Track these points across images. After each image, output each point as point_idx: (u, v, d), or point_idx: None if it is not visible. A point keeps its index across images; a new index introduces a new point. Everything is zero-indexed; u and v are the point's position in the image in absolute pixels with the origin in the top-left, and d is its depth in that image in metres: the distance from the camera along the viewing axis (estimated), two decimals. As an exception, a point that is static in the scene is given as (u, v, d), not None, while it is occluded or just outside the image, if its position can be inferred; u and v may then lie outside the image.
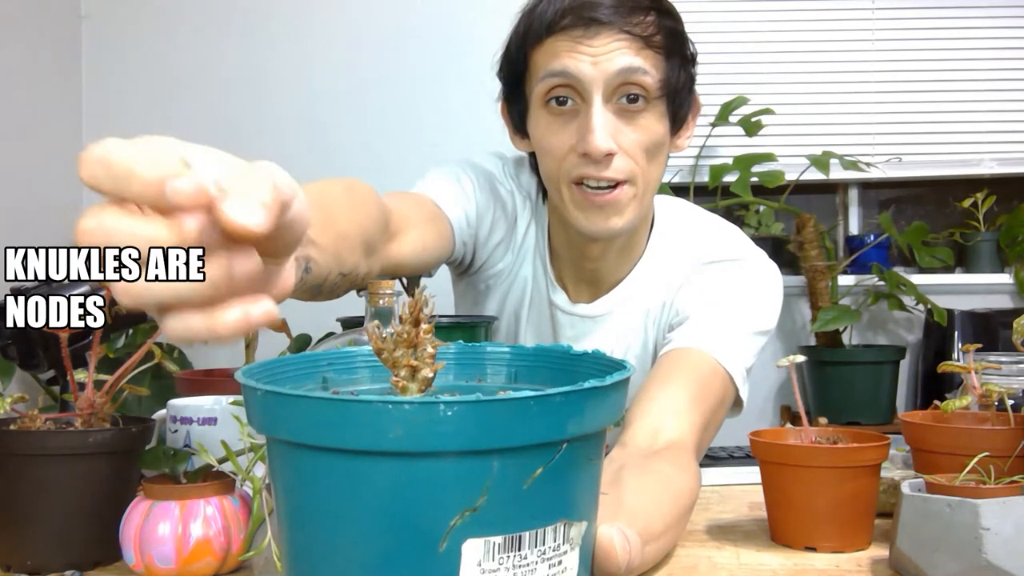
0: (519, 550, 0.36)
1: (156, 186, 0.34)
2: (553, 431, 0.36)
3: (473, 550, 0.35)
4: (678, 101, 1.01)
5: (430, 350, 0.39)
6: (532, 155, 1.08)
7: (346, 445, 0.35)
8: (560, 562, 0.38)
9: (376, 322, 0.39)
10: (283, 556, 0.39)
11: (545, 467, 0.36)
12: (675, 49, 1.00)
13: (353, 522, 0.36)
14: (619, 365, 0.43)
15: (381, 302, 0.71)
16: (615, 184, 0.98)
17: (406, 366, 0.39)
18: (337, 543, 0.36)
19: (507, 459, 0.35)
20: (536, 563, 0.37)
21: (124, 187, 0.34)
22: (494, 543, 0.36)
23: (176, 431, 0.85)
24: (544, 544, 0.37)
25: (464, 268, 1.18)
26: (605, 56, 0.95)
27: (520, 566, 0.36)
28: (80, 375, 0.73)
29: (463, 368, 0.51)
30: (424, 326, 0.39)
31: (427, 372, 0.39)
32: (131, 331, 1.98)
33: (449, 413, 0.34)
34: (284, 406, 0.36)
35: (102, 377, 0.73)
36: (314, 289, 0.71)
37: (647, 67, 0.96)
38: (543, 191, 1.12)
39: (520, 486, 0.36)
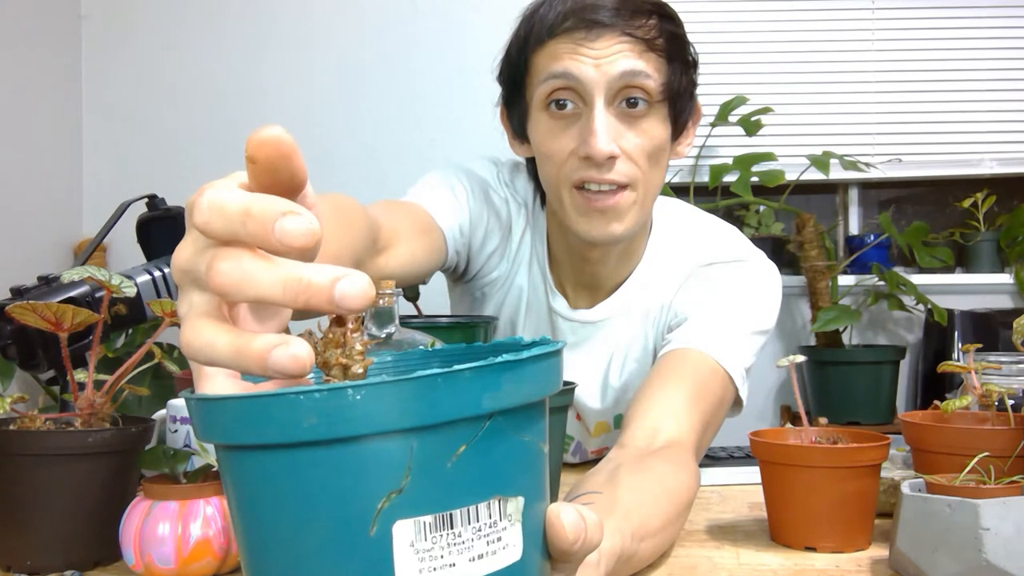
0: (452, 528, 0.36)
1: (267, 226, 0.35)
2: (468, 407, 0.36)
3: (404, 531, 0.36)
4: (679, 106, 1.01)
5: (359, 347, 0.40)
6: (530, 160, 1.08)
7: (267, 440, 0.36)
8: (499, 538, 0.38)
9: (308, 329, 0.39)
10: (240, 559, 0.40)
11: (469, 444, 0.37)
12: (676, 53, 0.99)
13: (286, 515, 0.37)
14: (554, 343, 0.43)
15: (381, 302, 0.71)
16: (616, 188, 0.97)
17: (335, 364, 0.39)
18: (276, 538, 0.37)
19: (427, 438, 0.36)
20: (472, 540, 0.37)
21: (238, 229, 0.36)
22: (424, 523, 0.36)
23: (176, 431, 0.85)
24: (479, 520, 0.37)
25: (459, 276, 1.17)
26: (607, 59, 0.95)
27: (455, 544, 0.36)
28: (80, 375, 0.73)
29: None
30: (351, 324, 0.40)
31: (357, 368, 0.39)
32: (131, 331, 1.98)
33: (358, 397, 0.34)
34: (211, 410, 0.37)
35: (102, 377, 0.73)
36: (301, 311, 0.70)
37: (649, 70, 0.96)
38: (541, 196, 1.12)
39: (444, 464, 0.36)
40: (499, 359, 0.37)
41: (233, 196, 0.36)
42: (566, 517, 0.41)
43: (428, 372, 0.35)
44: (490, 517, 0.38)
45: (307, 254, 0.38)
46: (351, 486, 0.36)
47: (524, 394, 0.39)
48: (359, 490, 0.36)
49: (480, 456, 0.37)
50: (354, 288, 0.35)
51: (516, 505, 0.39)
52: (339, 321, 0.39)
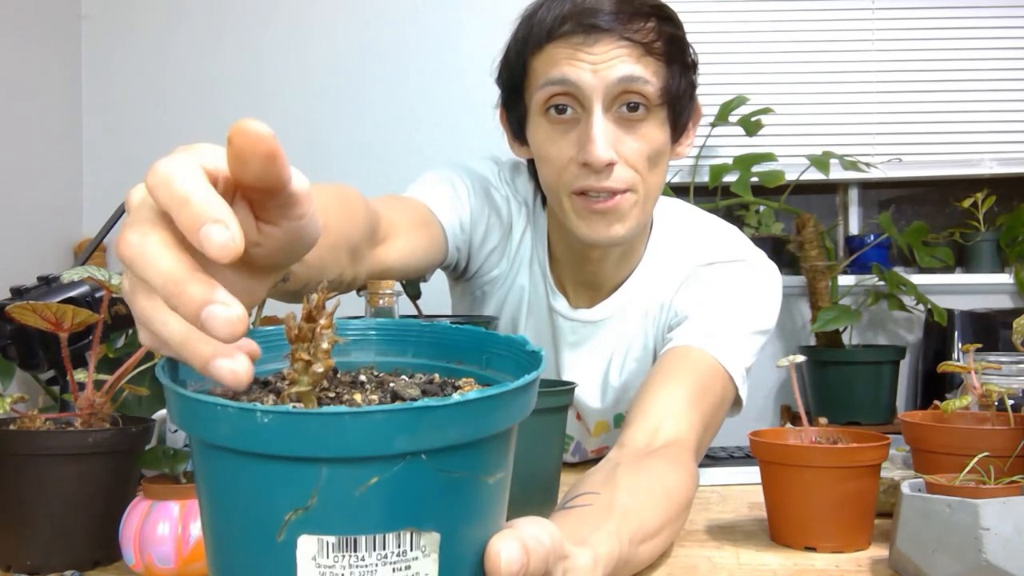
0: (355, 551, 0.37)
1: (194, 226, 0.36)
2: (378, 446, 0.36)
3: (307, 545, 0.37)
4: (679, 108, 1.00)
5: (324, 346, 0.40)
6: (530, 161, 1.08)
7: (198, 435, 0.38)
8: (408, 567, 0.38)
9: (291, 313, 0.39)
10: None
11: (382, 477, 0.37)
12: (676, 56, 0.99)
13: (217, 502, 0.39)
14: (531, 365, 0.43)
15: (381, 302, 0.72)
16: (616, 192, 0.97)
17: (298, 360, 0.40)
18: (213, 520, 0.40)
19: (336, 467, 0.36)
20: (376, 565, 0.37)
21: (172, 210, 0.37)
22: (328, 541, 0.37)
23: (176, 431, 0.86)
24: (385, 549, 0.37)
25: (459, 274, 1.17)
26: (605, 64, 0.94)
27: (357, 566, 0.37)
28: (80, 375, 0.73)
29: (389, 344, 0.52)
30: (322, 322, 0.40)
31: (318, 367, 0.40)
32: (131, 331, 1.98)
33: (266, 420, 0.35)
34: (170, 397, 0.40)
35: (102, 377, 0.73)
36: (293, 294, 0.69)
37: (647, 75, 0.95)
38: (542, 196, 1.12)
39: (352, 492, 0.36)
40: (417, 403, 0.36)
41: (185, 177, 0.37)
42: (505, 553, 0.40)
43: (336, 409, 0.35)
44: (399, 547, 0.37)
45: (238, 266, 0.40)
46: (261, 495, 0.37)
47: (454, 436, 0.38)
48: (268, 500, 0.37)
49: (393, 489, 0.37)
50: (220, 316, 0.36)
51: (431, 539, 0.38)
52: (309, 317, 0.40)
